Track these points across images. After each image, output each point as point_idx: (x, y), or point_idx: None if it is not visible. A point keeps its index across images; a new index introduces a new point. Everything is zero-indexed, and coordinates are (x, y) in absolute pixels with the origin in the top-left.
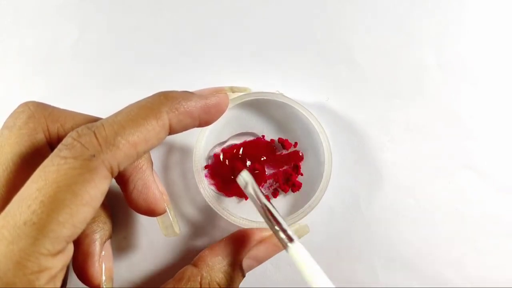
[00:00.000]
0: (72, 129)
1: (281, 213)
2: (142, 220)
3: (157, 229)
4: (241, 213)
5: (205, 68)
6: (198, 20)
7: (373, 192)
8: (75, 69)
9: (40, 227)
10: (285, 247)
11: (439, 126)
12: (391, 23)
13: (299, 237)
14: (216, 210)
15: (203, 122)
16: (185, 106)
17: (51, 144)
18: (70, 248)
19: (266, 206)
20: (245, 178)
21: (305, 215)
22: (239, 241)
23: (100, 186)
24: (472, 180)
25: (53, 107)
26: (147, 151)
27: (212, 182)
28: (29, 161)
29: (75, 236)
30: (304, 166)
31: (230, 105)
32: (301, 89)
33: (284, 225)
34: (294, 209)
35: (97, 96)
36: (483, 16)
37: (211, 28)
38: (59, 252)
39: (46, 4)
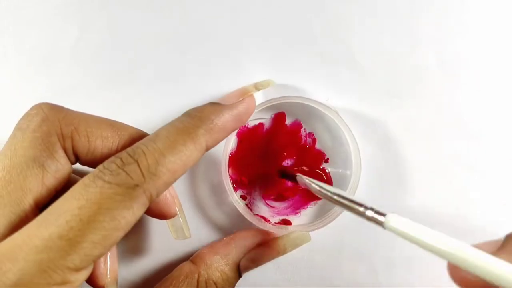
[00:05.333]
0: (86, 132)
1: (302, 221)
2: (144, 221)
3: (160, 229)
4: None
5: (205, 69)
6: (198, 21)
7: (373, 192)
8: (75, 69)
9: (74, 243)
10: (380, 224)
11: (439, 126)
12: (391, 23)
13: (300, 245)
14: (250, 220)
15: (234, 129)
16: (219, 124)
17: (64, 147)
18: (92, 265)
19: (340, 195)
20: (303, 178)
21: (324, 225)
22: (239, 242)
23: (137, 213)
24: (472, 180)
25: (67, 110)
26: (183, 174)
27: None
28: (43, 165)
29: (101, 256)
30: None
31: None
32: (301, 89)
33: (367, 204)
34: (314, 218)
35: (97, 96)
36: (483, 16)
37: (211, 29)
38: (83, 268)
39: (46, 4)
